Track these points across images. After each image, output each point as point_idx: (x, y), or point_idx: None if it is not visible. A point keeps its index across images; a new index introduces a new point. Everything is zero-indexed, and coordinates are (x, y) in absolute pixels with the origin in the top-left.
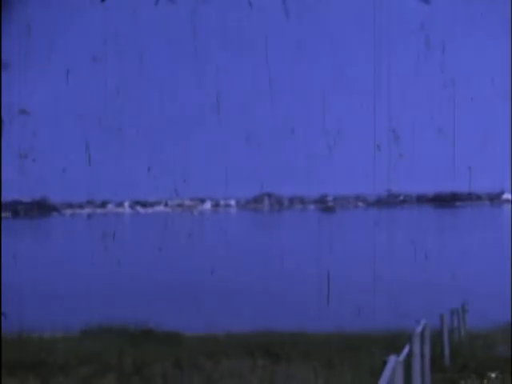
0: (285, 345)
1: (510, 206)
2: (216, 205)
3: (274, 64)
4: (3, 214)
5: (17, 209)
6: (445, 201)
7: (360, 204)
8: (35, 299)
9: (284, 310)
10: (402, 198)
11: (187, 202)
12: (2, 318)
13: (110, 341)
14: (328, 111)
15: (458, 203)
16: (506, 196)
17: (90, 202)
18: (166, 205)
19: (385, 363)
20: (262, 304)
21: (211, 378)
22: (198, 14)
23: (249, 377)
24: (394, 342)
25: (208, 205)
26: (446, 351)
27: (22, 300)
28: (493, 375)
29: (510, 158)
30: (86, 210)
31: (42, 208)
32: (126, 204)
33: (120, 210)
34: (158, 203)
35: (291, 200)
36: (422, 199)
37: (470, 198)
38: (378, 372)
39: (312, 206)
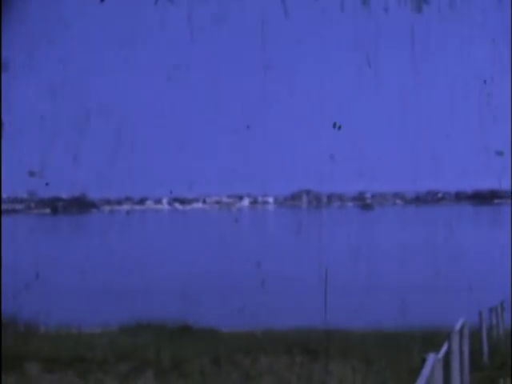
0: (322, 342)
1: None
2: (254, 202)
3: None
4: (43, 211)
5: (56, 205)
6: (483, 198)
7: (398, 201)
8: (74, 295)
9: (322, 306)
10: (440, 195)
11: (225, 199)
12: (42, 312)
13: (148, 337)
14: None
15: (496, 201)
16: None
17: (128, 199)
18: (204, 202)
19: (424, 361)
20: (300, 301)
21: (249, 375)
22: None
23: (286, 374)
24: (433, 339)
25: (246, 202)
26: (485, 349)
27: (62, 295)
28: None
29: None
30: (125, 207)
31: (80, 204)
32: (165, 201)
33: (158, 206)
34: (196, 200)
35: (329, 197)
36: (460, 196)
37: (509, 195)
38: (416, 369)
39: (350, 203)
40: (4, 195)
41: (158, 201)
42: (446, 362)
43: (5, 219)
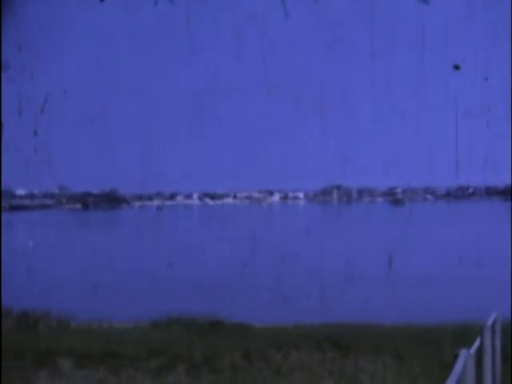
0: (354, 337)
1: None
2: (284, 197)
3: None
4: (74, 206)
5: (87, 201)
6: None
7: (429, 197)
8: (106, 290)
9: (352, 302)
10: (471, 190)
11: (255, 195)
12: (74, 307)
13: (180, 332)
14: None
15: None
16: None
17: (159, 194)
18: (234, 197)
19: (456, 357)
20: (330, 296)
21: (280, 371)
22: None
23: (318, 369)
24: (464, 334)
25: (276, 197)
26: None
27: (93, 291)
28: None
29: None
30: (155, 202)
31: (111, 200)
32: (195, 196)
33: (189, 202)
34: (226, 195)
35: (360, 192)
36: (490, 192)
37: None
38: (447, 365)
39: (381, 199)
40: (35, 190)
41: (189, 196)
42: (478, 357)
43: (36, 214)
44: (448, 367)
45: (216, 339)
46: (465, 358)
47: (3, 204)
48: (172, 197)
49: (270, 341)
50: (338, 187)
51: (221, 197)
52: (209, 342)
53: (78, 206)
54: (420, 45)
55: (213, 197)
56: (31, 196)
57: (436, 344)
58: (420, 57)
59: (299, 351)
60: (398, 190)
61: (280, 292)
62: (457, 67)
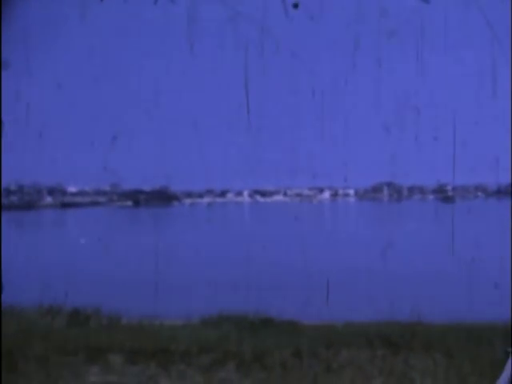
0: (404, 335)
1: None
2: (335, 194)
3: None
4: (125, 203)
5: (138, 198)
6: None
7: (480, 194)
8: (155, 287)
9: (402, 300)
10: None
11: (306, 192)
12: (128, 304)
13: (230, 329)
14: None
15: None
16: None
17: (209, 191)
18: (285, 194)
19: (508, 354)
20: (381, 294)
21: (330, 368)
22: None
23: (368, 367)
24: None
25: (327, 194)
26: None
27: (143, 288)
28: None
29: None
30: (206, 199)
31: (162, 197)
32: (246, 193)
33: (239, 199)
34: (277, 192)
35: (410, 189)
36: None
37: None
38: (498, 364)
39: (431, 196)
40: (87, 187)
41: (239, 193)
42: None
43: (87, 211)
44: (499, 365)
45: (266, 336)
46: None
47: (54, 201)
48: (223, 194)
49: (319, 338)
50: (389, 184)
51: (271, 194)
52: (259, 340)
53: (129, 203)
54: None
55: (263, 194)
56: (82, 193)
57: (487, 342)
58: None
59: (349, 349)
60: (449, 187)
61: (330, 290)
62: None
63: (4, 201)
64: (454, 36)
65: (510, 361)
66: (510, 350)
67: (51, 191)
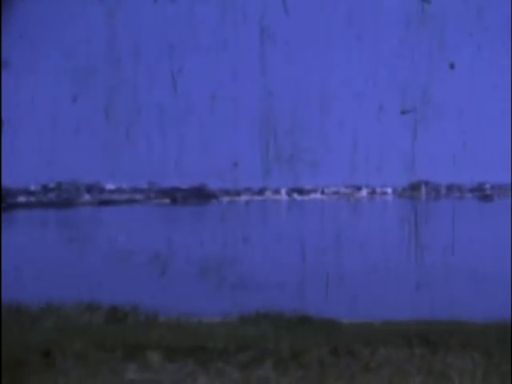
0: (442, 334)
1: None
2: (372, 192)
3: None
4: (162, 201)
5: (175, 196)
6: None
7: None
8: (194, 285)
9: (441, 298)
10: None
11: (343, 190)
12: (165, 302)
13: (268, 327)
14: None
15: None
16: None
17: (247, 190)
18: (322, 192)
19: None
20: (418, 292)
21: (368, 366)
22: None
23: (406, 365)
24: None
25: (364, 192)
26: None
27: (181, 286)
28: None
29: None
30: (244, 197)
31: (200, 195)
32: (283, 191)
33: (277, 197)
34: (314, 191)
35: (449, 188)
36: None
37: None
38: None
39: (469, 195)
40: (124, 185)
41: (277, 191)
42: None
43: (125, 209)
44: None
45: (304, 335)
46: None
47: (92, 199)
48: (260, 192)
49: (357, 337)
50: (427, 183)
51: (308, 192)
52: (296, 338)
53: (167, 200)
54: None
55: (301, 192)
56: (120, 191)
57: None
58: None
59: (387, 347)
60: (487, 186)
61: (367, 288)
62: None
63: (42, 198)
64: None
65: None
66: None
67: (89, 189)
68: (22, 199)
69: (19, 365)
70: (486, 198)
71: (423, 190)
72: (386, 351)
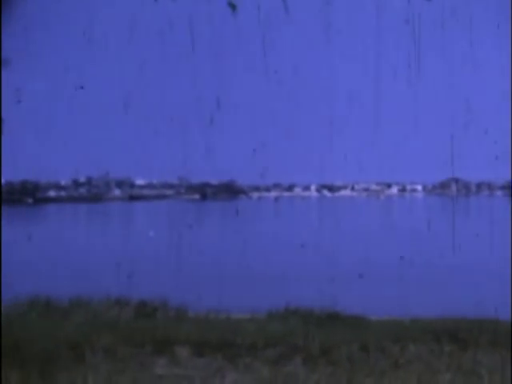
0: (472, 331)
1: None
2: (402, 189)
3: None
4: (192, 196)
5: (205, 191)
6: None
7: None
8: (223, 280)
9: (470, 296)
10: None
11: (373, 187)
12: (194, 297)
13: (296, 323)
14: None
15: None
16: None
17: (277, 186)
18: (352, 189)
19: None
20: (448, 289)
21: (397, 363)
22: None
23: (435, 362)
24: None
25: (394, 189)
26: None
27: (210, 281)
28: None
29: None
30: (273, 194)
31: (229, 191)
32: (313, 187)
33: (306, 193)
34: (344, 187)
35: (478, 185)
36: None
37: None
38: None
39: (499, 192)
40: (155, 181)
41: (307, 187)
42: None
43: (155, 204)
44: None
45: (333, 331)
46: None
47: (122, 194)
48: (290, 188)
49: (386, 333)
50: (457, 180)
51: (338, 189)
52: (326, 334)
53: (196, 196)
54: None
55: (330, 189)
56: (151, 186)
57: None
58: None
59: (416, 344)
60: None
61: (396, 285)
62: None
63: (73, 193)
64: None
65: None
66: None
67: (120, 184)
68: (52, 194)
69: (49, 359)
70: None
71: (453, 187)
72: (415, 348)
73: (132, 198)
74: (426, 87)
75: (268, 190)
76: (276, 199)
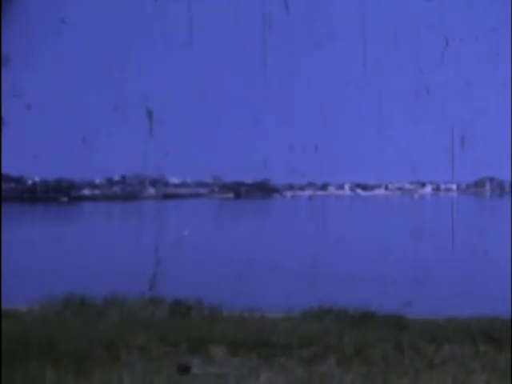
0: (507, 331)
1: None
2: (437, 189)
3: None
4: (226, 195)
5: (239, 190)
6: None
7: None
8: (256, 279)
9: (505, 295)
10: None
11: (407, 186)
12: (229, 296)
13: (331, 323)
14: None
15: None
16: None
17: (310, 184)
18: (386, 188)
19: None
20: (483, 289)
21: (432, 363)
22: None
23: (470, 363)
24: None
25: (428, 188)
26: None
27: (245, 280)
28: None
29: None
30: (307, 192)
31: (263, 189)
32: (347, 186)
33: (340, 192)
34: (378, 186)
35: None
36: None
37: None
38: None
39: None
40: (189, 179)
41: (341, 186)
42: None
43: (189, 203)
44: None
45: (367, 330)
46: None
47: (156, 192)
48: (324, 187)
49: (421, 333)
50: (491, 179)
51: (372, 188)
52: (360, 333)
53: (230, 195)
54: None
55: (364, 187)
56: (184, 184)
57: None
58: None
59: (451, 344)
60: None
61: (432, 285)
62: None
63: (107, 191)
64: None
65: None
66: None
67: (154, 182)
68: (86, 192)
69: (84, 358)
70: None
71: (487, 186)
72: (450, 348)
73: (166, 196)
74: (457, 83)
75: (302, 188)
76: (310, 198)
